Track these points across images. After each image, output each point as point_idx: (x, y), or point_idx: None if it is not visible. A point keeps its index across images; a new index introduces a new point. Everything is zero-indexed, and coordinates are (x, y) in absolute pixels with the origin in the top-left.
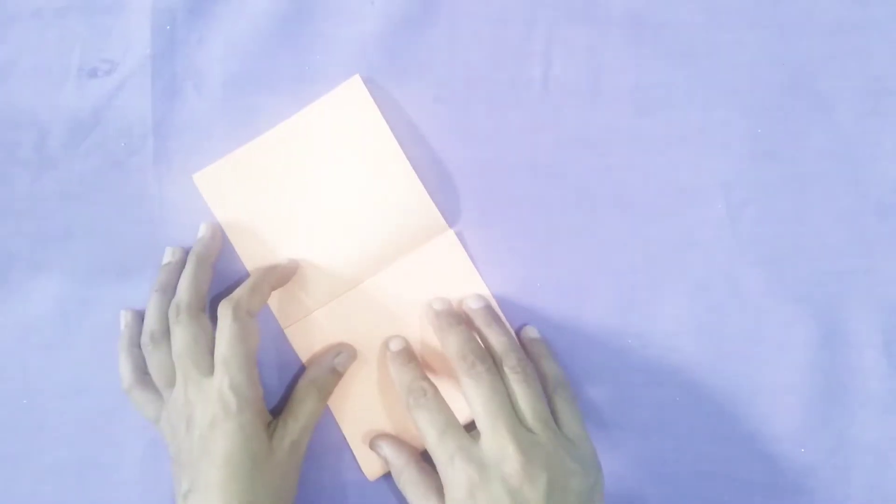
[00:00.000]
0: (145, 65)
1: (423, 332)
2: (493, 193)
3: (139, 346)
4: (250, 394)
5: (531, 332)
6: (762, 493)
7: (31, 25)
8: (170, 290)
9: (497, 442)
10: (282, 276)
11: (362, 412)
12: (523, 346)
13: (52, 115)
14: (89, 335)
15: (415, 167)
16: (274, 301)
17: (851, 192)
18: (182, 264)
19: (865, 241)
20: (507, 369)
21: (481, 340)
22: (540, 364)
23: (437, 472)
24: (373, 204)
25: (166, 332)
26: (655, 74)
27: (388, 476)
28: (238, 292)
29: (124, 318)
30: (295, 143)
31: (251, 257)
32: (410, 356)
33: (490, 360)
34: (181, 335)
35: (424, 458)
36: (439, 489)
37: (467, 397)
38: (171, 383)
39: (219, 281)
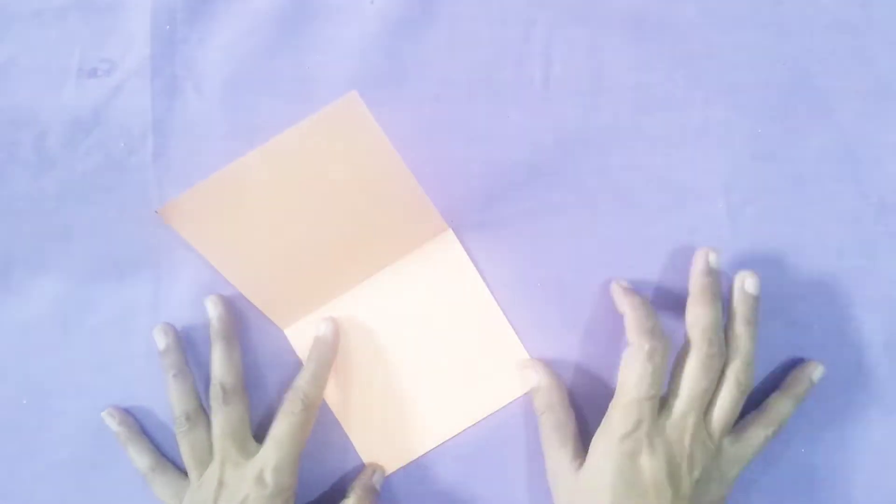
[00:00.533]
0: (145, 65)
1: (424, 332)
2: (493, 193)
3: (142, 434)
4: (287, 482)
5: (816, 372)
6: (762, 493)
7: (31, 25)
8: (185, 370)
9: (679, 426)
10: (334, 350)
11: (366, 412)
12: (796, 371)
13: (51, 114)
14: (89, 335)
15: (415, 167)
16: (274, 302)
17: (851, 191)
18: (178, 342)
19: (866, 241)
20: (735, 380)
21: (729, 327)
22: (783, 396)
23: (574, 421)
24: (372, 208)
25: (200, 412)
26: (655, 74)
27: (390, 476)
28: (305, 385)
29: (113, 418)
30: (287, 159)
31: (241, 278)
32: (642, 299)
33: (725, 356)
34: (227, 416)
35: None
36: (576, 438)
37: (684, 371)
38: (204, 464)
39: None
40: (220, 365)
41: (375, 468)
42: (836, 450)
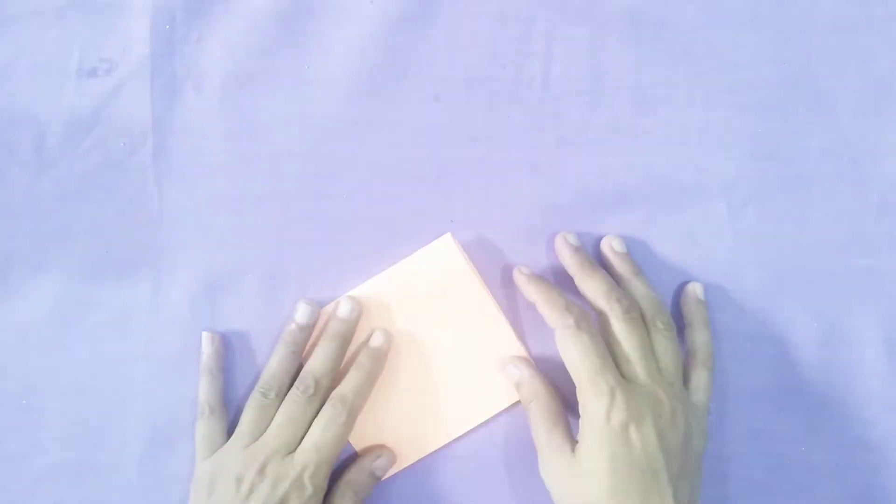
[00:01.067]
0: (145, 64)
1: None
2: (493, 193)
3: (223, 372)
4: (323, 487)
5: (699, 291)
6: (762, 493)
7: (30, 25)
8: (300, 351)
9: (649, 386)
10: (383, 363)
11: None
12: (684, 305)
13: (51, 114)
14: (89, 335)
15: (415, 167)
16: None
17: (852, 191)
18: (312, 329)
19: (866, 241)
20: (660, 324)
21: (627, 286)
22: (694, 329)
23: (561, 407)
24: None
25: (284, 392)
26: (655, 74)
27: (391, 478)
28: (352, 393)
29: (211, 342)
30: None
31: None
32: (548, 282)
33: (640, 309)
34: (300, 412)
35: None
36: (566, 422)
37: (617, 338)
38: (254, 437)
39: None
40: (325, 363)
41: (381, 451)
42: (836, 449)
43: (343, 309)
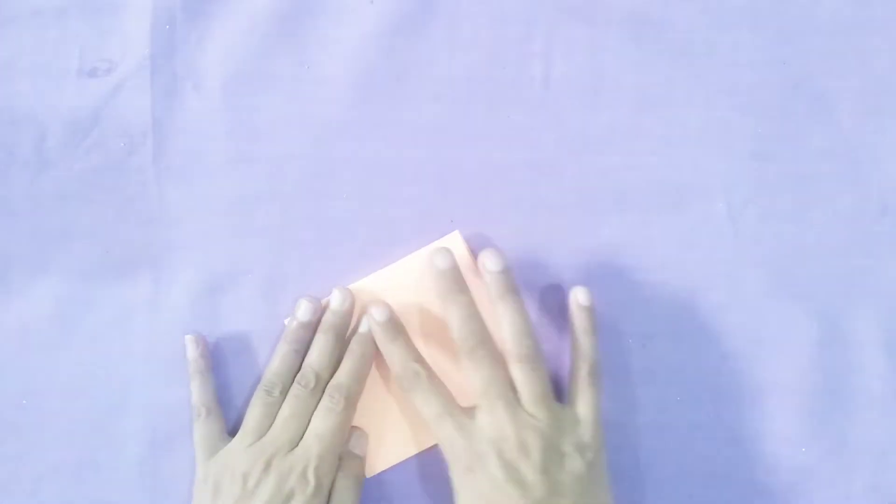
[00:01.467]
0: (145, 64)
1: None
2: (493, 193)
3: (212, 373)
4: (328, 478)
5: (582, 297)
6: (762, 493)
7: (30, 25)
8: (303, 349)
9: (495, 422)
10: (374, 345)
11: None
12: (570, 312)
13: (51, 114)
14: (89, 335)
15: (415, 167)
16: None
17: (852, 191)
18: (316, 325)
19: (866, 241)
20: (516, 358)
21: (493, 309)
22: (578, 336)
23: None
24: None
25: (288, 389)
26: (655, 74)
27: (384, 473)
28: (347, 381)
29: (196, 345)
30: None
31: None
32: (398, 330)
33: (492, 343)
34: (302, 406)
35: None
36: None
37: (468, 375)
38: (259, 435)
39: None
40: (322, 357)
41: (351, 432)
42: (835, 450)
43: (334, 301)
